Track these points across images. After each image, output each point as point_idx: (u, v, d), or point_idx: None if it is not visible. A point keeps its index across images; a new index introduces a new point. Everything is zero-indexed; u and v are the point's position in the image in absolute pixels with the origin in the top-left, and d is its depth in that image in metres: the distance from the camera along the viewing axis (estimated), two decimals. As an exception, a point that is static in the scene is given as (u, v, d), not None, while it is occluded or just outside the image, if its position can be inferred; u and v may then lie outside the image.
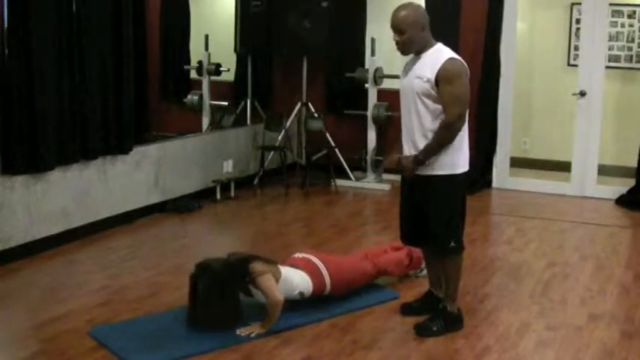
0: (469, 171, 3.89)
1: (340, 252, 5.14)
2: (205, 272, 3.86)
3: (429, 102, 3.71)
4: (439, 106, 3.70)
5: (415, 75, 3.75)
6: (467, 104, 3.74)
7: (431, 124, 3.72)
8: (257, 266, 3.89)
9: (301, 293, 4.06)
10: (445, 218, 3.82)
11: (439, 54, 3.73)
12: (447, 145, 3.72)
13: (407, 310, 4.16)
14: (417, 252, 4.50)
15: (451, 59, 3.71)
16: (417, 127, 3.75)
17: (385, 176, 7.61)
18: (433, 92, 3.69)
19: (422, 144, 3.74)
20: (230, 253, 4.05)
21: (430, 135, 3.73)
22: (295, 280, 4.04)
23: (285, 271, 4.03)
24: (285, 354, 3.65)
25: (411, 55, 3.84)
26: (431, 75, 3.68)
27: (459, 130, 3.73)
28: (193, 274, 3.90)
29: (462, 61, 3.75)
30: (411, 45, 3.75)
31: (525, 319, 4.14)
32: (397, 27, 3.71)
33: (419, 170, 3.79)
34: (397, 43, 3.76)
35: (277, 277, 3.94)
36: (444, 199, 3.81)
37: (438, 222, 3.82)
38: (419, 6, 3.83)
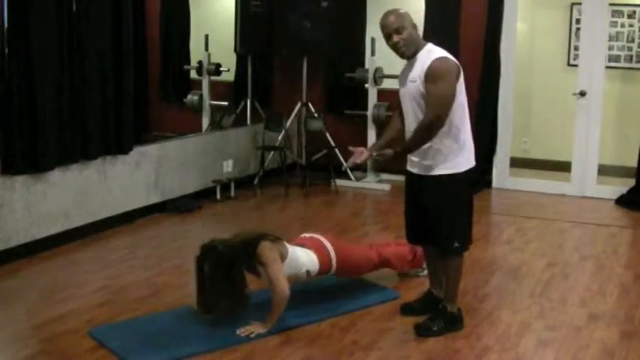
0: (470, 170, 3.87)
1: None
2: (210, 254, 3.83)
3: (425, 104, 3.71)
4: None
5: (410, 80, 3.74)
6: (448, 106, 3.65)
7: None
8: (266, 251, 3.84)
9: (308, 272, 4.07)
10: (449, 217, 3.82)
11: (429, 54, 3.70)
12: (425, 144, 3.70)
13: (407, 310, 4.15)
14: (420, 250, 4.50)
15: (439, 58, 3.66)
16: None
17: (385, 176, 7.61)
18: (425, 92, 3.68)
19: (426, 146, 3.73)
20: (235, 234, 3.99)
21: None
22: (302, 258, 4.04)
23: (292, 250, 4.03)
24: (285, 354, 3.65)
25: (405, 61, 3.82)
26: (421, 75, 3.66)
27: (436, 130, 3.66)
28: (198, 256, 3.87)
29: (454, 60, 3.71)
30: (411, 43, 3.72)
31: (525, 319, 4.13)
32: (395, 26, 3.67)
33: (422, 171, 3.80)
34: (397, 44, 3.69)
35: (284, 255, 3.94)
36: (448, 198, 3.80)
37: (442, 221, 3.82)
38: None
